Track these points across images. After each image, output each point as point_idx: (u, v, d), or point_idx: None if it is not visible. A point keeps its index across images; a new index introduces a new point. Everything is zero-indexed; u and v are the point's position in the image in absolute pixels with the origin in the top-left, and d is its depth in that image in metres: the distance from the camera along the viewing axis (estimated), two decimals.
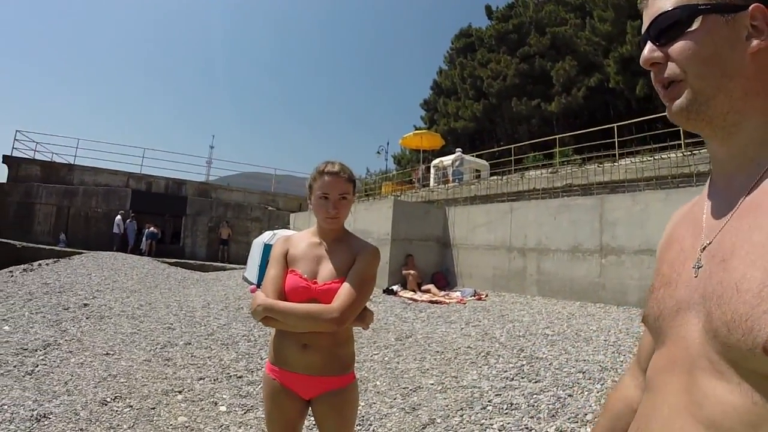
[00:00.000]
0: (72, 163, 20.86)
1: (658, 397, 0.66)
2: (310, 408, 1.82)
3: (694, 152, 10.31)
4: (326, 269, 1.79)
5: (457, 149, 19.02)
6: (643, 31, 0.72)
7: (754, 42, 0.62)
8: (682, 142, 11.52)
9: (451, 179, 17.35)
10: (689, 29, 0.65)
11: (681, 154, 10.54)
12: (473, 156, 19.55)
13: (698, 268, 0.65)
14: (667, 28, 0.67)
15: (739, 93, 0.63)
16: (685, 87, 0.66)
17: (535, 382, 4.20)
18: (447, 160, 18.64)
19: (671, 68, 0.67)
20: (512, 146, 17.11)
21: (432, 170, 19.51)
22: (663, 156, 11.01)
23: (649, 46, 0.69)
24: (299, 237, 1.93)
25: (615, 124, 13.15)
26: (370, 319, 1.83)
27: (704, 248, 0.65)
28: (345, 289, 1.70)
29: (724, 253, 0.60)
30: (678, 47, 0.66)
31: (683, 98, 0.66)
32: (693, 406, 0.58)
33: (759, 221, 0.58)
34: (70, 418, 3.29)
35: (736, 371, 0.55)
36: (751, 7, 0.63)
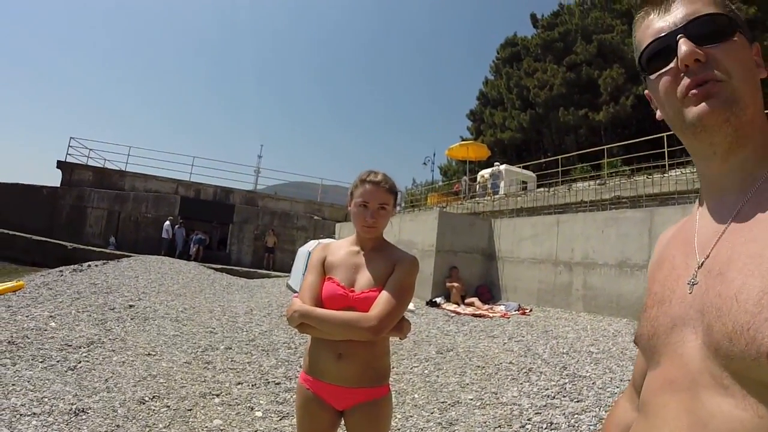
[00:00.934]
0: (123, 169, 21.67)
1: (656, 420, 0.64)
2: (342, 419, 1.79)
3: None
4: (364, 278, 1.76)
5: (496, 162, 18.96)
6: (671, 24, 0.70)
7: (763, 70, 0.69)
8: None
9: (491, 192, 17.21)
10: (732, 39, 0.67)
11: None
12: (520, 167, 19.29)
13: (693, 284, 0.65)
14: (712, 32, 0.67)
15: (759, 107, 0.67)
16: (728, 88, 0.65)
17: (577, 401, 4.04)
18: (487, 172, 18.57)
19: (716, 68, 0.66)
20: (559, 157, 16.77)
21: (478, 183, 19.41)
22: None
23: (689, 43, 0.67)
24: (338, 245, 1.92)
25: (665, 134, 12.62)
26: (407, 329, 1.79)
27: (701, 265, 0.65)
28: (383, 298, 1.67)
29: (721, 266, 0.60)
30: (726, 50, 0.66)
31: (727, 97, 0.65)
32: (696, 426, 0.57)
33: (753, 233, 0.59)
34: (107, 415, 3.34)
35: (741, 385, 0.54)
36: (753, 45, 0.70)
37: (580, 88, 26.22)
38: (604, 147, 16.08)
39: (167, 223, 18.88)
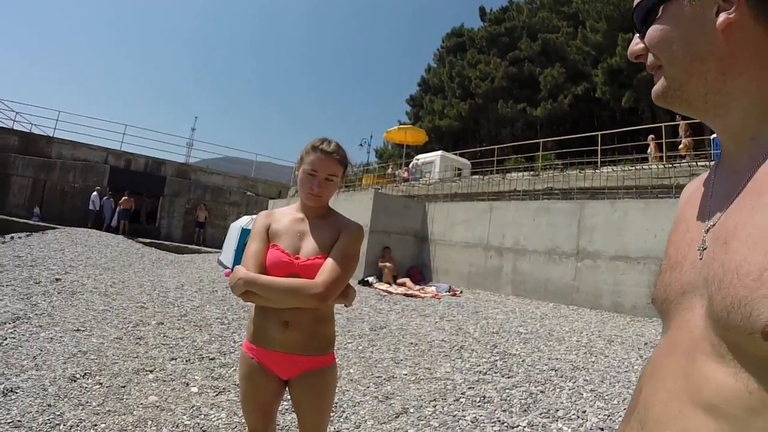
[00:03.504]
0: (51, 135, 20.34)
1: (657, 382, 0.65)
2: (287, 389, 1.78)
3: (675, 165, 10.49)
4: (309, 245, 1.75)
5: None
6: None
7: (721, 17, 0.59)
8: (664, 155, 11.69)
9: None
10: (657, 17, 0.65)
11: (662, 166, 10.71)
12: (456, 154, 19.71)
13: (703, 249, 0.63)
14: (644, 18, 0.67)
15: (714, 74, 0.61)
16: (662, 73, 0.66)
17: (508, 377, 4.26)
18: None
19: (650, 57, 0.67)
20: (495, 147, 17.22)
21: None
22: (644, 167, 11.17)
23: (635, 38, 0.69)
24: (282, 212, 1.89)
25: (599, 132, 13.26)
26: (353, 296, 1.80)
27: (708, 230, 0.63)
28: (329, 265, 1.66)
29: (727, 234, 0.59)
30: (648, 36, 0.66)
31: (659, 84, 0.66)
32: (692, 390, 0.57)
33: (761, 202, 0.56)
34: (37, 394, 3.20)
35: (735, 356, 0.54)
36: None
37: (520, 83, 27.03)
38: (540, 140, 16.66)
39: (94, 194, 17.91)
